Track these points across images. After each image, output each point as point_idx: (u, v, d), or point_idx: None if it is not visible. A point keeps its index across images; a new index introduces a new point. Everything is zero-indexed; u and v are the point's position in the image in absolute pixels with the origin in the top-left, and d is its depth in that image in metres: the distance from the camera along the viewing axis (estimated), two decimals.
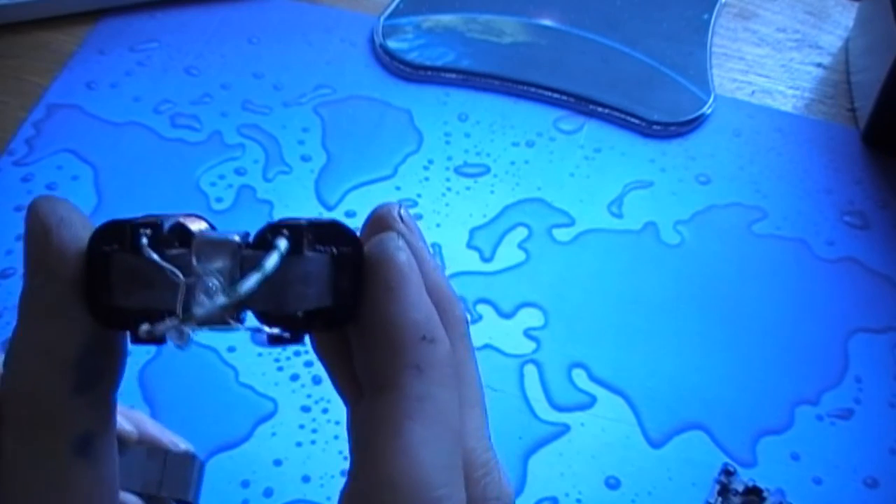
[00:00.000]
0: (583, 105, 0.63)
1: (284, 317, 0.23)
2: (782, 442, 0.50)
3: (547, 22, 0.67)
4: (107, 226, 0.23)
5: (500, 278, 0.55)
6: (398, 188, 0.59)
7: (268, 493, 0.47)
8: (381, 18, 0.66)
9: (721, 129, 0.62)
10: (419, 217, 0.57)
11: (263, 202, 0.58)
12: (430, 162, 0.60)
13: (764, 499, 0.47)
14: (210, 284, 0.22)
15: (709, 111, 0.63)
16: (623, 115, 0.62)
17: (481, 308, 0.54)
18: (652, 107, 0.62)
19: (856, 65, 0.65)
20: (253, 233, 0.23)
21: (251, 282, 0.22)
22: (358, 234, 0.24)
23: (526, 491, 0.48)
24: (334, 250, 0.23)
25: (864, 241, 0.57)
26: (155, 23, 0.67)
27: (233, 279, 0.22)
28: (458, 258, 0.56)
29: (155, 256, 0.22)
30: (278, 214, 0.57)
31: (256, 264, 0.22)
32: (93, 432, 0.23)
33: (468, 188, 0.59)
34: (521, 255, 0.56)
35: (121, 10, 0.67)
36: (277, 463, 0.48)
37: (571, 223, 0.58)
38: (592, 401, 0.51)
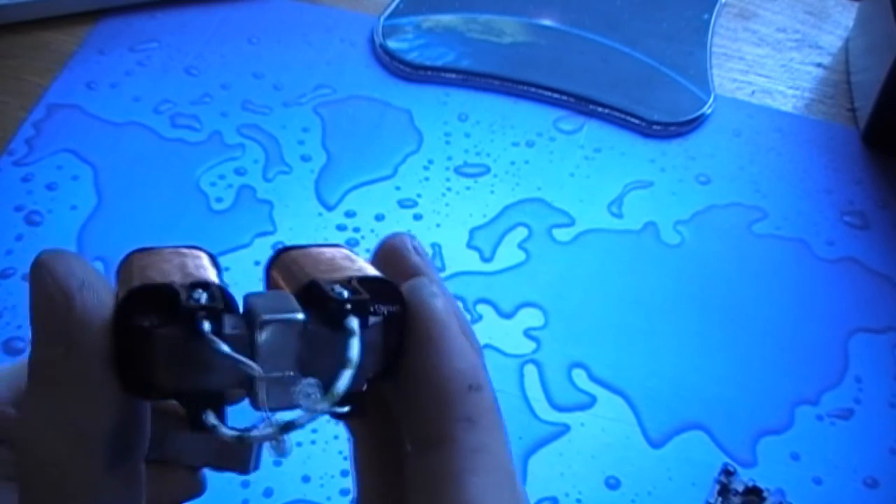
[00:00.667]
0: (583, 105, 0.63)
1: (354, 393, 0.21)
2: (782, 442, 0.50)
3: (547, 22, 0.67)
4: (139, 293, 0.21)
5: (500, 278, 0.55)
6: (398, 188, 0.59)
7: (268, 493, 0.47)
8: (381, 18, 0.66)
9: (721, 129, 0.62)
10: (419, 217, 0.57)
11: (263, 202, 0.58)
12: (430, 162, 0.60)
13: (764, 499, 0.47)
14: (308, 390, 0.20)
15: (709, 111, 0.63)
16: (623, 115, 0.62)
17: (481, 308, 0.54)
18: (652, 107, 0.62)
19: (856, 65, 0.65)
20: (266, 269, 0.23)
21: (347, 380, 0.20)
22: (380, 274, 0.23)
23: (526, 491, 0.48)
24: (385, 312, 0.22)
25: (864, 241, 0.57)
26: (155, 23, 0.67)
27: (309, 362, 0.21)
28: (458, 258, 0.56)
29: (227, 349, 0.20)
30: (278, 214, 0.57)
31: (335, 349, 0.20)
32: None
33: (468, 188, 0.59)
34: (521, 255, 0.56)
35: (121, 10, 0.67)
36: (277, 463, 0.48)
37: (571, 223, 0.58)
38: (592, 401, 0.51)
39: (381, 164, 0.60)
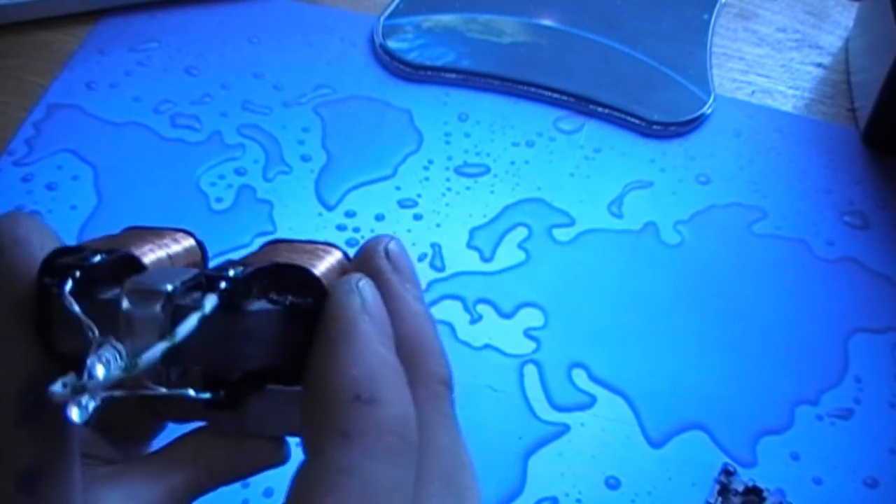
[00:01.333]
0: (583, 105, 0.63)
1: (219, 380, 0.20)
2: (782, 442, 0.50)
3: (547, 22, 0.67)
4: (58, 253, 0.21)
5: (500, 278, 0.55)
6: (398, 188, 0.59)
7: (268, 493, 0.47)
8: (381, 18, 0.66)
9: (721, 129, 0.62)
10: (419, 217, 0.57)
11: (263, 202, 0.58)
12: (430, 162, 0.60)
13: (764, 499, 0.47)
14: (107, 355, 0.19)
15: (709, 111, 0.63)
16: (623, 115, 0.62)
17: (481, 308, 0.54)
18: (652, 107, 0.62)
19: (856, 65, 0.65)
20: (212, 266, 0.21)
21: (154, 352, 0.19)
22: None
23: (526, 491, 0.48)
24: (288, 301, 0.20)
25: (864, 241, 0.57)
26: (155, 23, 0.67)
27: (160, 335, 0.19)
28: (458, 258, 0.56)
29: (75, 308, 0.19)
30: (278, 214, 0.57)
31: (172, 329, 0.19)
32: (39, 468, 0.21)
33: (468, 188, 0.59)
34: (521, 255, 0.56)
35: (121, 10, 0.67)
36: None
37: (571, 223, 0.58)
38: (592, 401, 0.51)
39: (381, 164, 0.60)
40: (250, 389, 0.20)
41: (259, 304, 0.20)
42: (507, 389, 0.51)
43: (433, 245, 0.56)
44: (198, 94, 0.63)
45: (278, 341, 0.20)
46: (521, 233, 0.57)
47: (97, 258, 0.20)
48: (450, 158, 0.60)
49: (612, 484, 0.48)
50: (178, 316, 0.19)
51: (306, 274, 0.21)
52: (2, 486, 0.21)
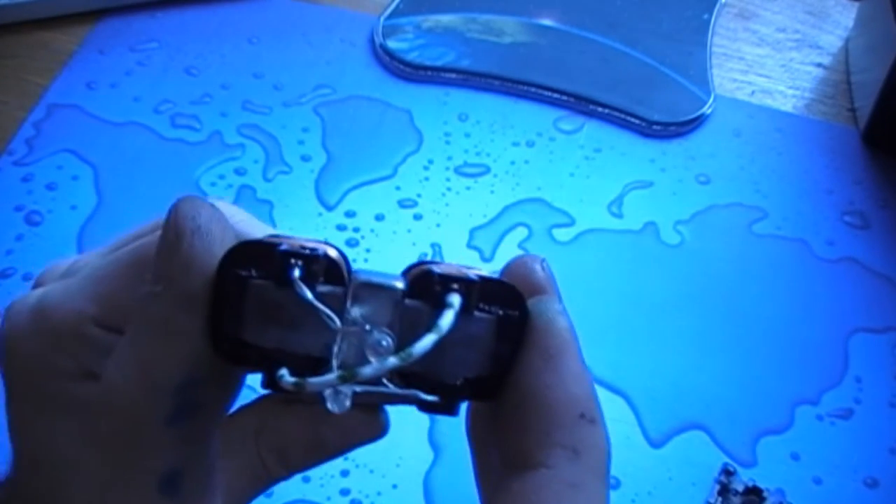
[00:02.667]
0: (583, 105, 0.63)
1: (442, 383, 0.20)
2: (782, 442, 0.50)
3: (547, 22, 0.67)
4: (245, 246, 0.20)
5: None
6: (398, 188, 0.59)
7: (267, 493, 0.47)
8: (381, 18, 0.66)
9: (721, 129, 0.62)
10: (419, 217, 0.57)
11: (263, 202, 0.58)
12: (430, 162, 0.60)
13: (764, 499, 0.47)
14: (382, 342, 0.19)
15: (709, 111, 0.63)
16: (623, 115, 0.62)
17: None
18: (652, 107, 0.62)
19: (856, 65, 0.65)
20: (403, 273, 0.21)
21: (426, 345, 0.19)
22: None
23: None
24: (500, 312, 0.21)
25: (864, 241, 0.57)
26: (155, 23, 0.67)
27: (401, 337, 0.19)
28: (458, 258, 0.56)
29: (310, 295, 0.19)
30: (278, 214, 0.57)
31: (429, 323, 0.19)
32: (182, 470, 0.21)
33: (468, 188, 0.59)
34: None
35: (121, 10, 0.67)
36: None
37: (571, 223, 0.58)
38: None
39: (381, 164, 0.60)
40: (468, 397, 0.21)
41: (479, 314, 0.20)
42: None
43: (433, 245, 0.56)
44: (198, 93, 0.63)
45: (491, 351, 0.20)
46: (521, 233, 0.57)
47: (305, 252, 0.20)
48: (450, 158, 0.60)
49: (612, 484, 0.48)
50: (406, 320, 0.19)
51: (511, 289, 0.21)
52: (143, 485, 0.20)
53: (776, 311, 0.54)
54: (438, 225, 0.57)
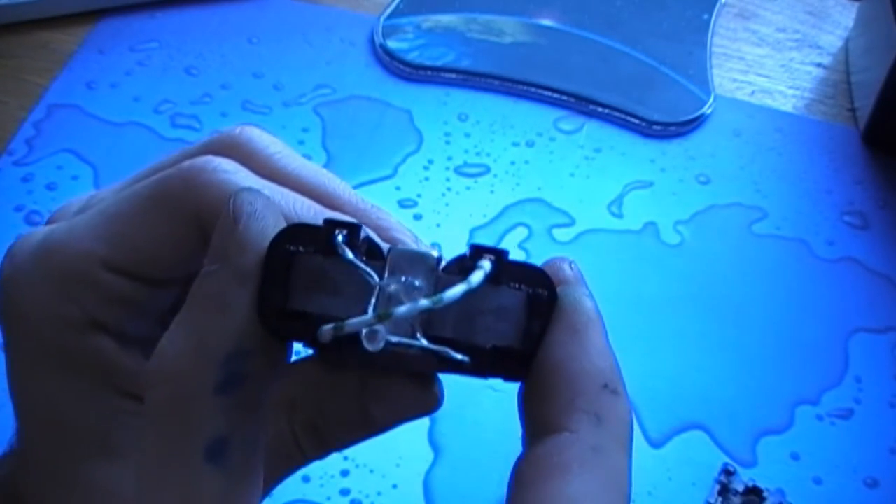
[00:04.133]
0: (583, 105, 0.63)
1: (472, 346, 0.21)
2: (782, 442, 0.50)
3: (547, 22, 0.67)
4: (295, 227, 0.22)
5: None
6: (398, 188, 0.59)
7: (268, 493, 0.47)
8: (381, 18, 0.66)
9: (721, 129, 0.62)
10: (419, 217, 0.57)
11: None
12: (430, 162, 0.60)
13: (764, 499, 0.47)
14: (415, 283, 0.21)
15: (709, 111, 0.63)
16: (623, 115, 0.62)
17: None
18: (652, 107, 0.62)
19: (856, 65, 0.65)
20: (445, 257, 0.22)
21: (457, 291, 0.20)
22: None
23: None
24: (531, 291, 0.22)
25: (864, 241, 0.57)
26: (155, 23, 0.67)
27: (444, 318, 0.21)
28: None
29: (351, 255, 0.21)
30: None
31: (460, 280, 0.21)
32: (228, 439, 0.21)
33: (468, 188, 0.59)
34: (522, 256, 0.56)
35: (121, 10, 0.67)
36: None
37: (571, 223, 0.58)
38: None
39: (381, 164, 0.60)
40: (498, 367, 0.22)
41: (509, 288, 0.21)
42: (507, 389, 0.51)
43: (433, 245, 0.56)
44: (198, 93, 0.63)
45: (521, 325, 0.22)
46: (521, 233, 0.57)
47: (344, 225, 0.22)
48: (450, 158, 0.60)
49: None
50: (441, 287, 0.21)
51: (542, 273, 0.22)
52: (190, 453, 0.21)
53: (776, 311, 0.54)
54: (438, 225, 0.57)
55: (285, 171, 0.26)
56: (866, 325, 0.54)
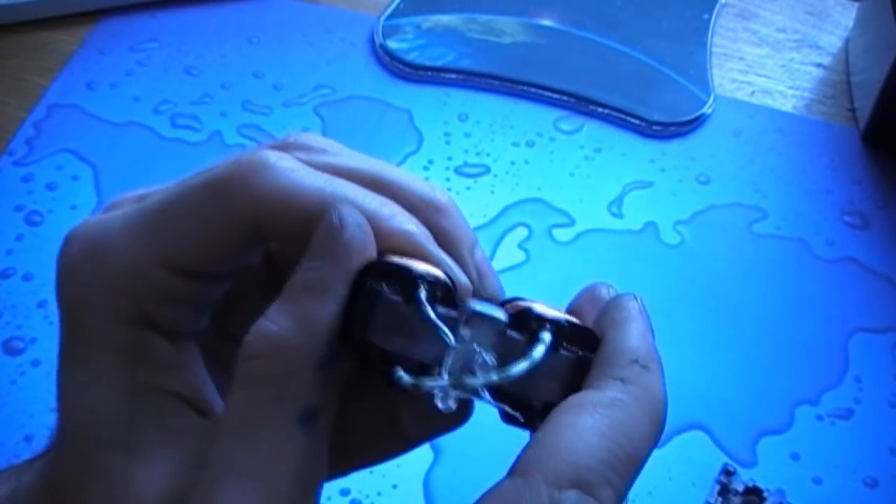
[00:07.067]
0: (583, 105, 0.63)
1: (525, 403, 0.24)
2: (782, 442, 0.50)
3: (547, 22, 0.67)
4: (381, 263, 0.24)
5: (500, 278, 0.55)
6: None
7: None
8: (381, 18, 0.66)
9: (721, 129, 0.62)
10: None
11: None
12: (430, 162, 0.60)
13: (764, 499, 0.47)
14: (487, 360, 0.23)
15: (709, 111, 0.63)
16: (623, 115, 0.62)
17: None
18: (652, 107, 0.62)
19: (856, 65, 0.65)
20: (503, 303, 0.25)
21: (521, 369, 0.23)
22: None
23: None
24: (580, 353, 0.24)
25: (864, 241, 0.57)
26: (155, 23, 0.67)
27: (500, 359, 0.23)
28: None
29: (433, 315, 0.23)
30: None
31: (524, 352, 0.23)
32: (320, 409, 0.23)
33: (468, 188, 0.59)
34: (522, 256, 0.56)
35: (121, 10, 0.67)
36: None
37: (571, 223, 0.58)
38: None
39: None
40: (542, 417, 0.24)
41: (563, 352, 0.24)
42: None
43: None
44: (198, 94, 0.63)
45: (566, 383, 0.24)
46: (521, 233, 0.57)
47: (429, 277, 0.24)
48: (450, 158, 0.60)
49: None
50: (505, 347, 0.24)
51: (592, 335, 0.25)
52: (284, 417, 0.23)
53: (776, 311, 0.54)
54: None
55: (346, 167, 0.27)
56: (866, 325, 0.54)
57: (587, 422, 0.22)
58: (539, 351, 0.23)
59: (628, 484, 0.23)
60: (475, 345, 0.23)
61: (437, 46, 0.65)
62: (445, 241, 0.27)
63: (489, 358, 0.23)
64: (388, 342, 0.23)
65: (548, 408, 0.24)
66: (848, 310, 0.54)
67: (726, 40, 0.68)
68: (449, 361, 0.23)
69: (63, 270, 0.25)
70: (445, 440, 0.49)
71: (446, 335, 0.23)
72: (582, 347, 0.24)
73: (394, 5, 0.67)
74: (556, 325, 0.24)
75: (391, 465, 0.48)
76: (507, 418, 0.24)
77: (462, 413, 0.27)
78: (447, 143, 0.61)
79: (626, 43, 0.66)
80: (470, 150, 0.61)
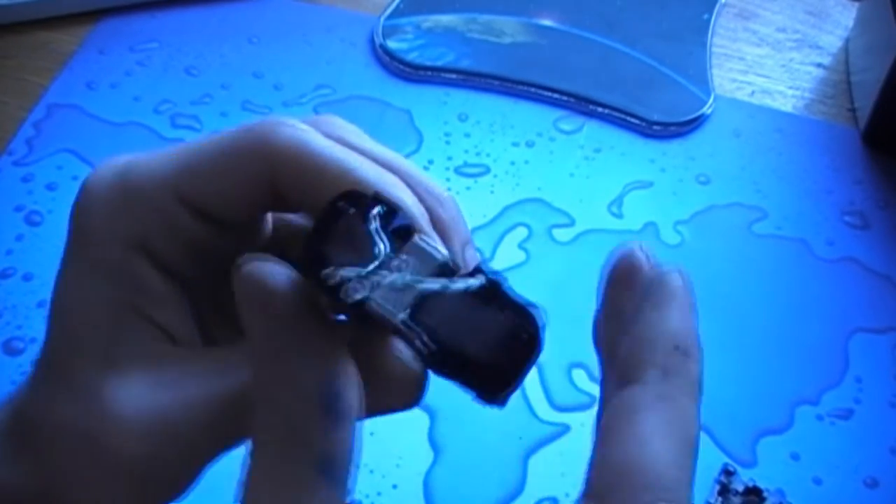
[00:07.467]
0: (583, 105, 0.63)
1: (442, 342, 0.23)
2: (782, 442, 0.50)
3: (547, 22, 0.67)
4: (354, 192, 0.24)
5: None
6: None
7: None
8: (381, 18, 0.66)
9: (721, 129, 0.62)
10: None
11: None
12: (430, 162, 0.60)
13: (764, 499, 0.47)
14: (401, 263, 0.23)
15: (709, 111, 0.63)
16: (623, 115, 0.62)
17: None
18: (652, 107, 0.62)
19: (856, 65, 0.65)
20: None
21: (436, 285, 0.23)
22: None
23: (526, 491, 0.48)
24: (515, 322, 0.23)
25: (864, 241, 0.57)
26: (155, 23, 0.67)
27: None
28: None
29: (374, 227, 0.23)
30: None
31: (448, 281, 0.23)
32: (335, 455, 0.23)
33: (468, 188, 0.59)
34: (522, 256, 0.56)
35: (121, 10, 0.67)
36: None
37: (571, 223, 0.58)
38: (592, 401, 0.51)
39: None
40: (456, 370, 0.23)
41: (493, 310, 0.23)
42: None
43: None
44: (198, 94, 0.63)
45: (495, 352, 0.23)
46: (521, 233, 0.57)
47: (379, 208, 0.24)
48: (450, 158, 0.60)
49: None
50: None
51: (531, 314, 0.24)
52: (302, 467, 0.23)
53: (776, 311, 0.54)
54: None
55: (361, 146, 0.28)
56: (866, 325, 0.54)
57: (645, 430, 0.23)
58: (458, 284, 0.23)
59: (694, 471, 0.24)
60: (405, 256, 0.23)
61: (437, 46, 0.65)
62: (440, 230, 0.27)
63: (406, 262, 0.23)
64: (337, 256, 0.23)
65: (464, 359, 0.23)
66: (848, 310, 0.54)
67: (726, 40, 0.68)
68: (372, 265, 0.23)
69: (85, 187, 0.27)
70: (445, 440, 0.49)
71: (376, 244, 0.23)
72: (520, 321, 0.23)
73: (394, 5, 0.67)
74: (496, 279, 0.23)
75: (391, 465, 0.48)
76: (420, 354, 0.23)
77: (413, 388, 0.27)
78: (447, 143, 0.61)
79: (626, 43, 0.66)
80: (470, 150, 0.61)
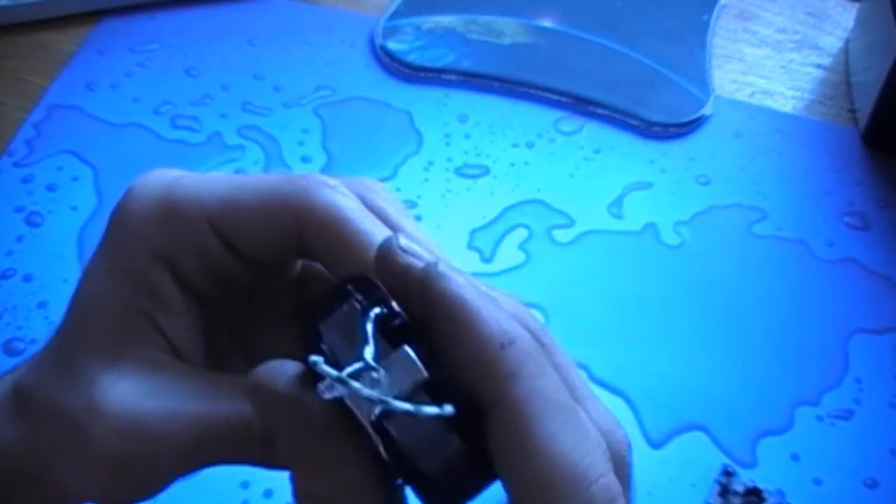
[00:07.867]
0: (582, 106, 0.63)
1: (400, 455, 0.24)
2: (782, 442, 0.50)
3: (547, 23, 0.67)
4: (367, 277, 0.25)
5: (500, 279, 0.55)
6: (398, 189, 0.59)
7: (268, 493, 0.47)
8: (382, 19, 0.66)
9: (721, 129, 0.62)
10: (419, 218, 0.57)
11: None
12: (430, 163, 0.60)
13: (764, 499, 0.47)
14: (377, 376, 0.23)
15: (709, 112, 0.63)
16: (623, 116, 0.62)
17: None
18: (652, 107, 0.62)
19: (856, 65, 0.65)
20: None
21: (401, 406, 0.23)
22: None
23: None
24: (472, 452, 0.24)
25: (864, 241, 0.57)
26: (155, 23, 0.67)
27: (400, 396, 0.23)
28: (458, 259, 0.56)
29: (370, 329, 0.24)
30: None
31: (415, 400, 0.23)
32: None
33: (468, 189, 0.59)
34: (522, 256, 0.56)
35: (121, 11, 0.67)
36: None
37: (571, 224, 0.58)
38: None
39: (381, 166, 0.60)
40: (408, 482, 0.24)
41: (455, 442, 0.24)
42: None
43: None
44: (198, 95, 0.63)
45: (449, 473, 0.24)
46: (521, 234, 0.57)
47: (380, 309, 0.24)
48: (450, 160, 0.60)
49: None
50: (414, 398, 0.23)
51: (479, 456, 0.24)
52: None
53: (776, 312, 0.54)
54: (439, 226, 0.57)
55: (395, 221, 0.28)
56: (866, 325, 0.54)
57: (542, 438, 0.22)
58: (429, 410, 0.23)
59: (602, 410, 0.25)
60: (384, 372, 0.23)
61: (437, 47, 0.65)
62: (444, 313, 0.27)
63: (380, 376, 0.23)
64: (330, 337, 0.24)
65: (417, 473, 0.24)
66: (848, 310, 0.55)
67: (726, 41, 0.68)
68: (351, 367, 0.23)
69: (131, 191, 0.28)
70: None
71: (367, 345, 0.23)
72: (474, 448, 0.24)
73: (394, 6, 0.67)
74: (467, 414, 0.23)
75: None
76: (383, 461, 0.24)
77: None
78: (447, 144, 0.61)
79: (625, 43, 0.66)
80: (470, 151, 0.61)
